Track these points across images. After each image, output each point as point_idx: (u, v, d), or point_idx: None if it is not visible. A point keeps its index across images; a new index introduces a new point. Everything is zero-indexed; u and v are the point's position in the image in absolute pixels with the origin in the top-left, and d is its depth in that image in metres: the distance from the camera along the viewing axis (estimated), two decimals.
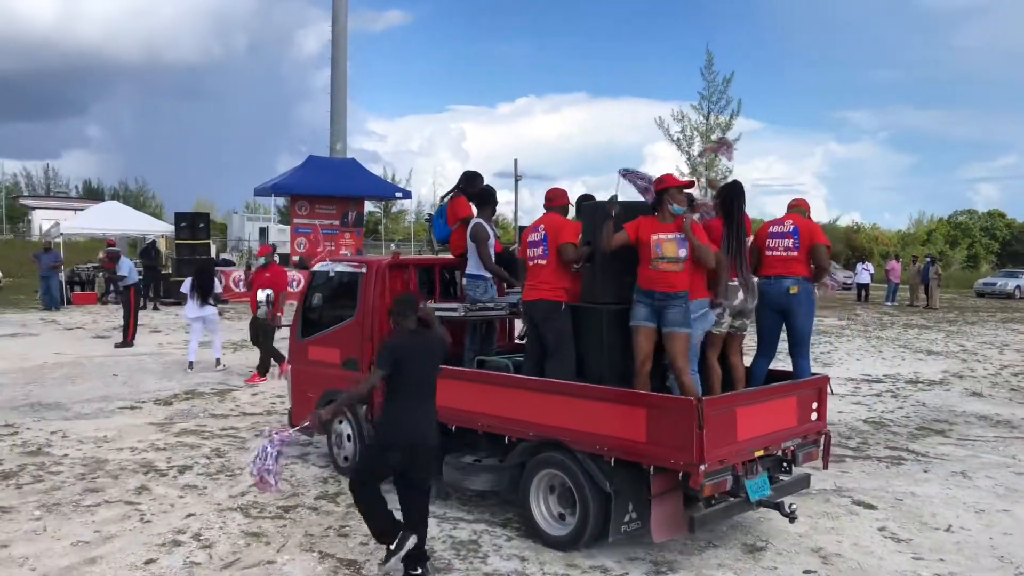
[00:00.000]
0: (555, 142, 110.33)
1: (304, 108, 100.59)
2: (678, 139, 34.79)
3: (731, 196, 5.73)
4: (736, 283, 5.61)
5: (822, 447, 5.89)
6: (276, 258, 12.55)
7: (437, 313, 5.88)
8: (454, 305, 6.58)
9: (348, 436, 6.94)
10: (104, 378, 11.51)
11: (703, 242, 5.32)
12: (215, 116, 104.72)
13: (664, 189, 5.38)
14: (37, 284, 22.27)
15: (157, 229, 26.11)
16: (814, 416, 5.79)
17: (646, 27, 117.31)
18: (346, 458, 6.96)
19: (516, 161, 16.86)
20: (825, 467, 6.08)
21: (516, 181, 17.00)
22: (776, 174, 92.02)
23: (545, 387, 5.58)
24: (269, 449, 4.81)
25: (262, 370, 11.41)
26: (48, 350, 13.92)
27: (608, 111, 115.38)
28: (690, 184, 5.64)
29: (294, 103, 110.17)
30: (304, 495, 6.48)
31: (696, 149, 33.89)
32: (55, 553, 5.26)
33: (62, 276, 22.11)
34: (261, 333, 11.28)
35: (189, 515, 5.96)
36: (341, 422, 6.97)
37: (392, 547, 4.82)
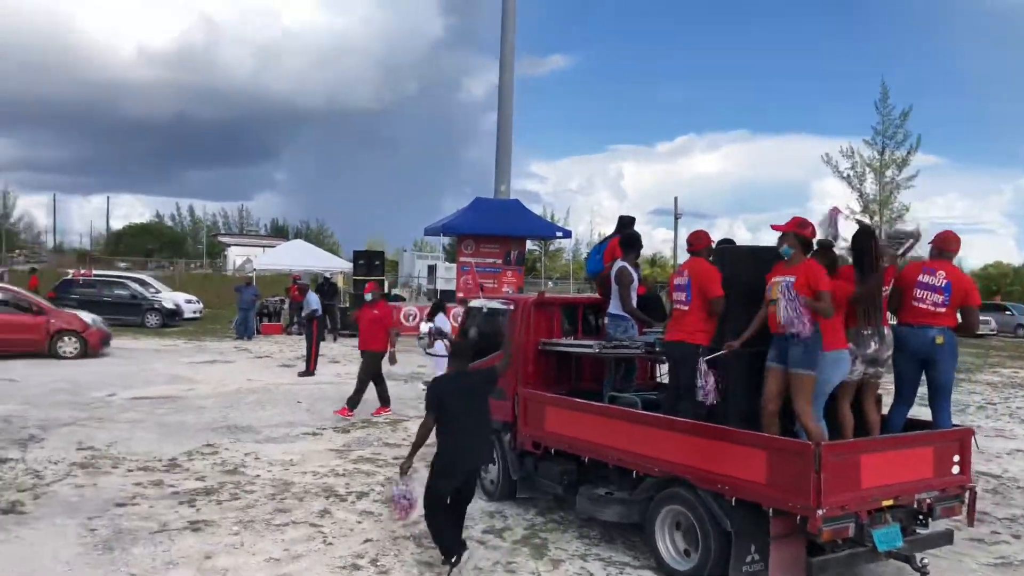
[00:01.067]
0: (715, 180, 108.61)
1: (469, 150, 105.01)
2: (848, 175, 33.38)
3: (862, 242, 5.61)
4: (869, 332, 5.51)
5: (967, 503, 5.56)
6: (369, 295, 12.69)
7: (573, 350, 6.84)
8: (590, 343, 6.93)
9: (492, 466, 7.47)
10: (290, 404, 12.42)
11: (818, 286, 5.22)
12: (387, 159, 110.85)
13: (783, 232, 5.47)
14: (231, 314, 24.37)
15: (337, 266, 27.96)
16: (955, 469, 5.51)
17: (812, 62, 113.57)
18: (492, 482, 7.49)
19: (676, 199, 16.96)
20: (970, 524, 5.77)
21: (676, 219, 17.13)
22: (958, 212, 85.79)
23: (668, 424, 5.82)
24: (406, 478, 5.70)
25: (385, 402, 11.85)
26: (242, 376, 15.20)
27: (770, 148, 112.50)
28: (790, 228, 5.44)
29: (459, 145, 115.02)
30: (471, 528, 6.70)
31: (868, 186, 32.55)
32: (251, 567, 5.75)
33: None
34: (367, 366, 11.63)
35: (366, 540, 6.33)
36: None
37: (454, 561, 5.54)
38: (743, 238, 36.05)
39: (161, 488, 7.64)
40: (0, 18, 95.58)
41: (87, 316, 18.07)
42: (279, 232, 77.19)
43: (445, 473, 5.57)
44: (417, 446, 5.79)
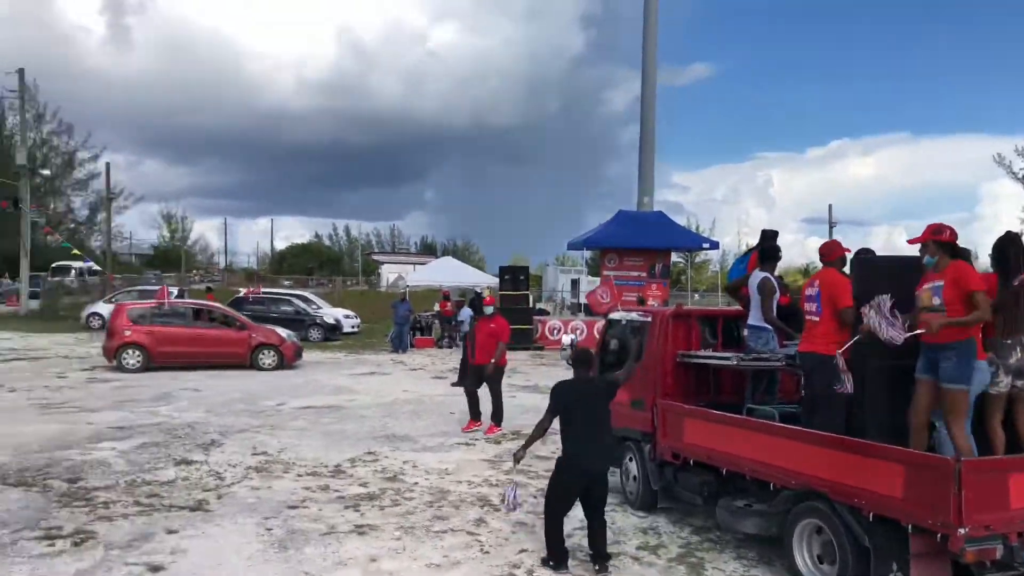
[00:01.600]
0: (872, 185, 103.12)
1: (610, 163, 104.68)
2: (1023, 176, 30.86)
3: (1004, 248, 5.30)
4: (1010, 341, 5.18)
5: None
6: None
7: (712, 362, 6.95)
8: (728, 355, 6.92)
9: (634, 476, 7.61)
10: (443, 415, 12.82)
11: (969, 285, 4.99)
12: (529, 175, 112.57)
13: (921, 243, 5.32)
14: (387, 329, 25.44)
15: (484, 281, 28.64)
16: None
17: (981, 57, 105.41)
18: (631, 492, 7.69)
19: (831, 207, 16.20)
20: None
21: (830, 227, 16.31)
22: None
23: (804, 437, 5.70)
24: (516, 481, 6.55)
25: (498, 419, 11.55)
26: (398, 388, 15.85)
27: (933, 150, 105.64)
28: (926, 237, 5.26)
29: (601, 159, 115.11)
30: (625, 543, 6.67)
31: None
32: (413, 572, 5.99)
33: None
34: (491, 381, 11.44)
35: (522, 551, 6.44)
36: (631, 459, 7.63)
37: (553, 565, 5.92)
38: (901, 247, 33.84)
39: (328, 492, 8.09)
40: (179, 62, 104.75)
41: (283, 331, 19.71)
42: (428, 249, 79.98)
43: (567, 471, 5.96)
44: (531, 441, 6.25)
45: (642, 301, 22.01)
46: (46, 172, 50.10)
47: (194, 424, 11.49)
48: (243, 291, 30.53)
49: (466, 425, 11.53)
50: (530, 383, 16.82)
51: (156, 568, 5.88)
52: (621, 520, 7.33)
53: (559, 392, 6.12)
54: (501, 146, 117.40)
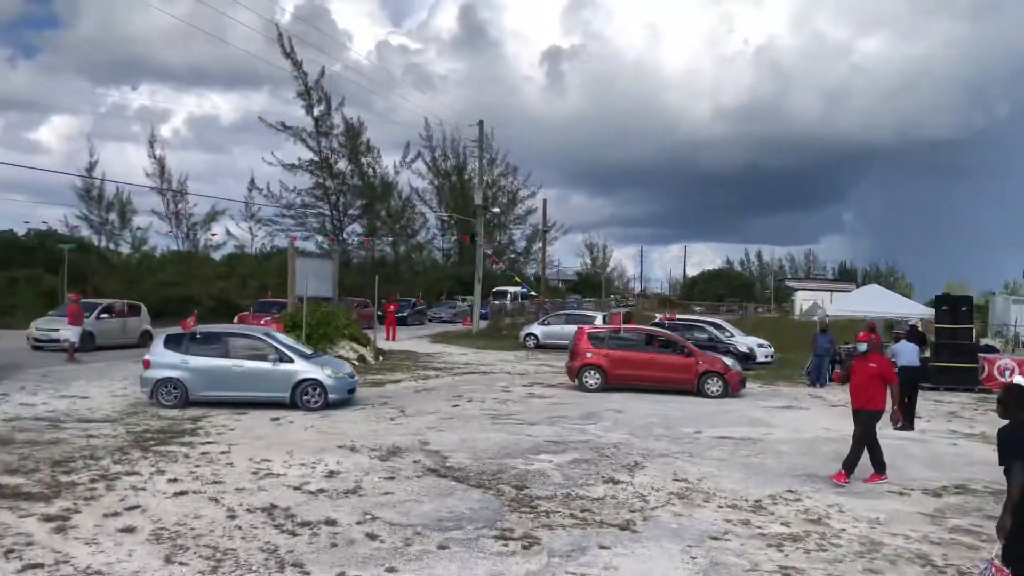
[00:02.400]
0: None
1: None
2: None
3: None
4: None
5: None
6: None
7: None
8: None
9: None
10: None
11: None
12: (970, 191, 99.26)
13: None
14: (800, 360, 24.37)
15: (915, 312, 25.95)
16: None
17: None
18: None
19: None
20: None
21: None
22: None
23: None
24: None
25: (879, 468, 10.38)
26: (818, 424, 15.12)
27: None
28: None
29: None
30: None
31: None
32: None
33: None
34: (870, 428, 10.23)
35: None
36: None
37: None
38: None
39: (749, 527, 8.05)
40: (603, 99, 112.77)
41: (728, 360, 20.17)
42: (846, 275, 75.01)
43: None
44: (1014, 503, 5.07)
45: None
46: (495, 210, 57.80)
47: (619, 445, 12.25)
48: (659, 316, 31.67)
49: (869, 477, 10.38)
50: (974, 431, 14.86)
51: None
52: None
53: (1011, 438, 5.07)
54: (932, 160, 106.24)
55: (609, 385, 18.97)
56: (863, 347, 10.68)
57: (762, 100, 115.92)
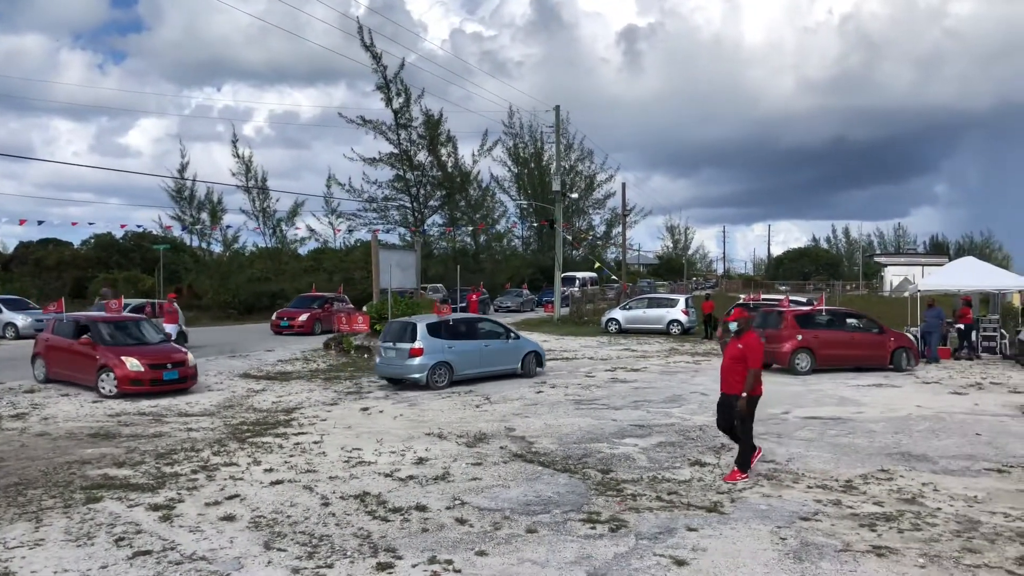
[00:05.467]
0: None
1: None
2: None
3: None
4: None
5: None
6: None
7: None
8: None
9: None
10: (967, 436, 11.56)
11: None
12: None
13: None
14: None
15: (1014, 284, 24.75)
16: None
17: None
18: None
19: None
20: None
21: None
22: None
23: None
24: None
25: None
26: (910, 402, 14.70)
27: None
28: None
29: None
30: None
31: None
32: None
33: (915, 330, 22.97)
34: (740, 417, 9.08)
35: None
36: None
37: None
38: None
39: (840, 508, 7.95)
40: (682, 79, 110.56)
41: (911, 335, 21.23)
42: (937, 249, 72.04)
43: None
44: None
45: None
46: (573, 195, 57.62)
47: (704, 427, 12.19)
48: (743, 297, 31.12)
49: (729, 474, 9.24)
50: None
51: (680, 562, 6.46)
52: None
53: None
54: None
55: (817, 367, 19.14)
56: (733, 326, 9.28)
57: (848, 71, 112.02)
